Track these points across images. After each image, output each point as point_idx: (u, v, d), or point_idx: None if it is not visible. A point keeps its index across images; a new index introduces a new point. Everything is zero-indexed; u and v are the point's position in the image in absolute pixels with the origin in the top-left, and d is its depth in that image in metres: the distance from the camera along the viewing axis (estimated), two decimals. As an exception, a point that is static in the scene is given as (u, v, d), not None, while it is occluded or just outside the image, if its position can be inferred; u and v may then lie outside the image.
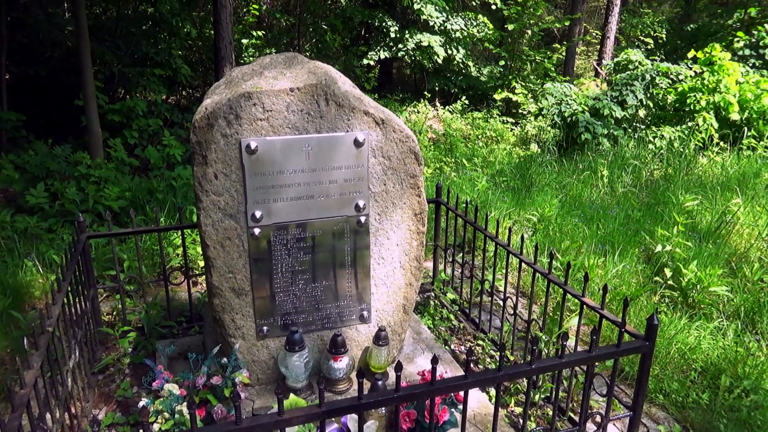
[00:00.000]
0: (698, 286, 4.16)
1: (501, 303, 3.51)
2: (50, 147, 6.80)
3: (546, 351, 3.18)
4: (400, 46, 12.19)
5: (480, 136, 10.65)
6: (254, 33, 11.99)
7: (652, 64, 9.78)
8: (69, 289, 2.73)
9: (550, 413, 2.95)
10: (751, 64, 10.61)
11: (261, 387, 2.84)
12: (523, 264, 3.24)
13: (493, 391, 3.05)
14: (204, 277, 4.14)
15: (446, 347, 3.57)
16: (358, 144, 2.61)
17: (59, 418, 2.32)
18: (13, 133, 7.40)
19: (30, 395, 1.91)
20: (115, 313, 3.85)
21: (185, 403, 2.45)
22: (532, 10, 12.85)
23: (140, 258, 3.59)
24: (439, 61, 12.46)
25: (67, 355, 2.59)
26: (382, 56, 12.42)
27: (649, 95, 9.24)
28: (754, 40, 11.21)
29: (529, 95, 12.56)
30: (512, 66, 13.63)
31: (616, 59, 11.70)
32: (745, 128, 8.66)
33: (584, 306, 2.76)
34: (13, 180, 6.07)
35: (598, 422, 2.54)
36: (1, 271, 4.15)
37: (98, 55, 8.22)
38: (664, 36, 17.62)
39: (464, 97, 12.89)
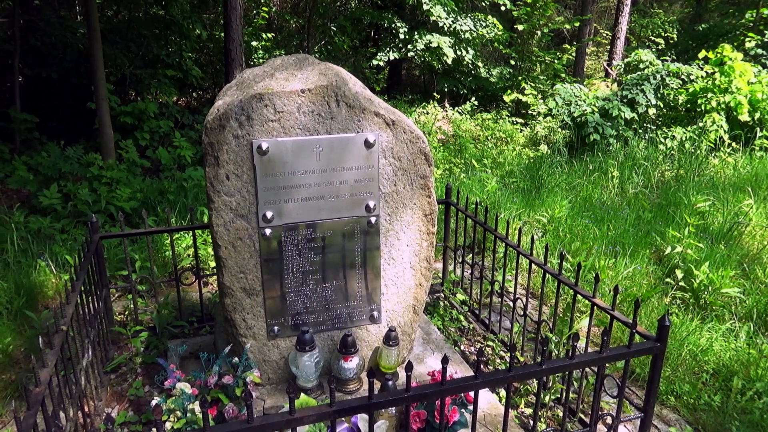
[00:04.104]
0: (710, 288, 4.13)
1: (511, 304, 3.50)
2: (63, 148, 6.88)
3: (556, 352, 3.17)
4: (409, 47, 12.20)
5: (489, 137, 10.63)
6: (264, 35, 12.05)
7: (662, 65, 9.72)
8: (82, 288, 2.76)
9: (561, 414, 2.94)
10: (763, 64, 10.52)
11: (272, 386, 2.85)
12: (533, 265, 3.23)
13: (503, 392, 3.05)
14: (215, 277, 4.17)
15: (456, 348, 3.57)
16: (368, 145, 2.62)
17: (73, 416, 2.34)
18: (26, 134, 7.49)
19: (44, 393, 1.94)
20: (127, 312, 3.89)
21: (197, 402, 2.47)
22: (541, 10, 12.81)
23: (152, 258, 3.62)
24: (449, 62, 12.45)
25: (81, 354, 2.61)
26: (392, 57, 12.44)
27: (659, 96, 9.18)
28: (766, 39, 11.12)
29: (539, 96, 12.53)
30: (522, 67, 13.60)
31: (626, 60, 11.64)
32: (757, 129, 8.59)
33: (595, 307, 2.75)
34: (26, 181, 6.15)
35: (608, 424, 2.53)
36: (15, 271, 4.20)
37: (110, 57, 8.30)
38: (675, 36, 17.51)
39: (473, 98, 12.87)
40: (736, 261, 4.65)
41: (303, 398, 2.45)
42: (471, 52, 12.71)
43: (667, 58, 13.54)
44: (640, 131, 9.14)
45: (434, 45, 11.98)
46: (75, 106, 8.63)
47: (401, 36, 12.29)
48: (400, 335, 3.00)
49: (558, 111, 9.59)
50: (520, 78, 13.10)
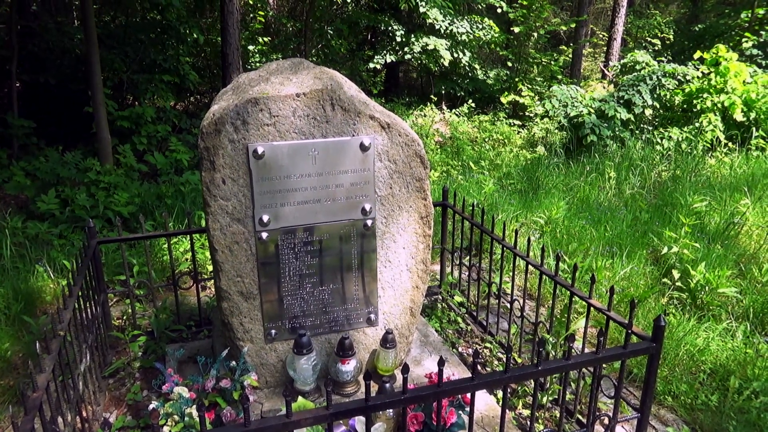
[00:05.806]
0: (707, 288, 4.14)
1: (508, 305, 3.51)
2: (61, 154, 6.88)
3: (553, 353, 3.18)
4: (406, 49, 12.22)
5: (487, 139, 10.65)
6: (261, 39, 12.07)
7: (658, 65, 9.75)
8: (80, 293, 2.76)
9: (558, 415, 2.95)
10: (758, 64, 10.56)
11: (269, 390, 2.86)
12: (530, 266, 3.25)
13: (500, 393, 3.05)
14: (213, 281, 4.17)
15: (454, 350, 3.57)
16: (363, 148, 2.63)
17: (71, 421, 2.35)
18: (24, 140, 7.49)
19: (42, 398, 1.94)
20: (125, 317, 3.89)
21: (195, 406, 2.48)
22: (538, 12, 12.85)
23: (150, 263, 3.63)
24: (446, 65, 12.47)
25: (79, 359, 2.62)
26: (389, 60, 12.46)
27: (655, 96, 9.21)
28: (762, 40, 11.16)
29: (536, 98, 12.55)
30: (519, 68, 13.62)
31: (622, 61, 11.67)
32: (753, 128, 8.62)
33: (591, 308, 2.77)
34: (24, 186, 6.15)
35: (605, 424, 2.53)
36: (13, 277, 4.20)
37: (107, 62, 8.31)
38: (671, 37, 17.55)
39: (471, 101, 12.89)
40: (732, 261, 4.66)
41: (300, 401, 2.45)
42: (468, 54, 12.74)
43: (664, 58, 13.58)
44: (637, 132, 9.16)
45: (431, 47, 12.01)
46: (72, 111, 8.63)
47: (398, 39, 12.32)
48: (398, 337, 3.00)
49: (555, 112, 9.61)
50: (516, 80, 13.13)
